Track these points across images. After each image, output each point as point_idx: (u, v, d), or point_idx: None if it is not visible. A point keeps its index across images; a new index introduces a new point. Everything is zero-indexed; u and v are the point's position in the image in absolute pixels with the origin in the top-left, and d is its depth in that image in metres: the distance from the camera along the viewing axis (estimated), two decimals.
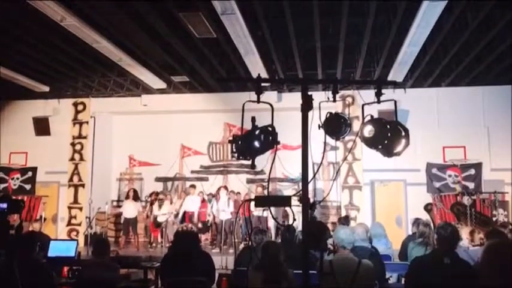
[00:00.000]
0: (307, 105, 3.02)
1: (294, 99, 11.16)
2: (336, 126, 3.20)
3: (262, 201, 3.41)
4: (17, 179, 12.90)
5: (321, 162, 3.58)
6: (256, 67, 9.94)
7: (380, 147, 3.20)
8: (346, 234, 4.19)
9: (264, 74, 10.16)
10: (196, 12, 7.63)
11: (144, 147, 13.59)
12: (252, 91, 11.91)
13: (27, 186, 12.85)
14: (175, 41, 8.99)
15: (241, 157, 3.28)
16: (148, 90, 12.66)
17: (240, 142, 3.18)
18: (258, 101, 3.18)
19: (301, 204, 2.97)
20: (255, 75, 10.26)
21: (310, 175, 2.97)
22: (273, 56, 9.89)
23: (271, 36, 8.84)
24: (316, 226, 3.12)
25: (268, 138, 3.06)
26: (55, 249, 6.15)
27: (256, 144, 3.05)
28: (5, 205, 3.21)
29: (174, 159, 13.70)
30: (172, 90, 12.74)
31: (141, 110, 13.23)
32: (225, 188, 11.63)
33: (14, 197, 5.90)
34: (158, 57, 10.25)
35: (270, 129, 3.10)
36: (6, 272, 3.50)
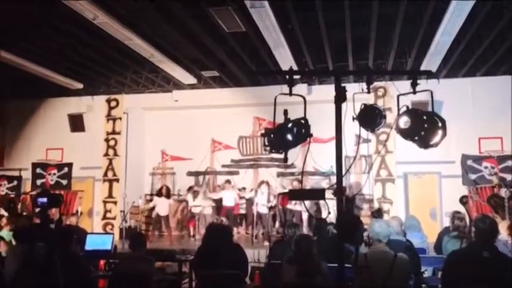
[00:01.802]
0: (340, 97, 2.99)
1: (324, 91, 11.15)
2: (370, 118, 3.16)
3: (296, 194, 3.40)
4: (54, 174, 13.29)
5: (356, 155, 3.55)
6: (286, 60, 9.88)
7: (416, 138, 3.14)
8: (381, 228, 4.13)
9: (294, 67, 10.06)
10: (226, 7, 7.64)
11: (176, 142, 13.74)
12: (281, 84, 11.84)
13: (64, 182, 13.22)
14: (205, 36, 9.04)
15: (273, 150, 3.28)
16: (179, 85, 12.79)
17: (272, 135, 3.18)
18: (290, 94, 3.17)
19: (335, 198, 2.95)
20: (284, 68, 10.26)
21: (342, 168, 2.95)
22: (303, 49, 9.81)
23: (300, 29, 8.77)
24: (350, 219, 3.09)
25: (301, 131, 3.05)
26: (92, 243, 6.30)
27: (289, 137, 3.05)
28: (45, 200, 3.31)
29: (205, 153, 13.80)
30: (202, 85, 12.82)
31: (173, 106, 13.37)
32: (266, 183, 11.61)
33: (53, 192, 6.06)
34: (189, 52, 10.33)
35: (302, 121, 3.09)
36: (47, 265, 3.61)
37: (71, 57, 10.75)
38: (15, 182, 13.46)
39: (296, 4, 7.79)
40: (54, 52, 10.32)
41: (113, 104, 13.17)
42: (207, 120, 13.51)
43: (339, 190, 2.89)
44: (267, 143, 3.22)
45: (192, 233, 12.00)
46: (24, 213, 10.95)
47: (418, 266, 4.92)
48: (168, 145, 14.08)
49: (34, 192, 12.85)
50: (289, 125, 3.03)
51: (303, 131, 3.03)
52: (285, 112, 3.12)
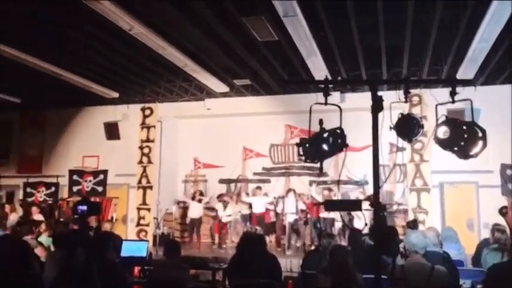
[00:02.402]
0: (377, 107, 2.95)
1: (358, 99, 11.06)
2: (408, 127, 3.11)
3: (332, 205, 3.37)
4: (90, 181, 13.60)
5: (393, 165, 3.49)
6: (318, 68, 9.85)
7: (456, 149, 3.07)
8: (418, 239, 4.05)
9: (326, 75, 10.04)
10: (259, 16, 7.69)
11: (208, 150, 13.87)
12: (313, 92, 11.92)
13: (99, 188, 13.52)
14: (238, 45, 9.11)
15: (308, 160, 3.26)
16: (211, 94, 12.92)
17: (307, 145, 3.16)
18: (326, 103, 3.16)
19: (372, 208, 2.91)
20: (317, 77, 10.24)
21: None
22: (336, 57, 9.76)
23: (333, 37, 8.73)
24: (387, 230, 3.03)
25: (336, 140, 3.03)
26: (127, 250, 6.39)
27: (325, 147, 3.03)
28: (85, 207, 3.39)
29: (236, 161, 13.87)
30: (234, 94, 12.91)
31: (205, 114, 13.51)
32: (293, 191, 11.58)
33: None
34: (221, 61, 10.43)
35: (338, 131, 3.07)
36: (85, 271, 3.68)
37: (107, 67, 11.03)
38: (53, 189, 13.85)
39: (329, 12, 7.77)
40: (92, 62, 10.61)
41: (147, 112, 13.40)
42: (239, 128, 13.58)
43: (376, 201, 2.85)
44: (301, 153, 3.20)
45: (218, 241, 12.04)
46: (62, 219, 11.23)
47: (457, 279, 4.79)
48: (200, 153, 14.22)
49: (71, 199, 13.22)
50: (325, 134, 3.01)
51: (339, 140, 3.01)
52: (321, 122, 3.10)
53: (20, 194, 14.25)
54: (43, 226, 7.49)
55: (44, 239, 6.94)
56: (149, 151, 13.22)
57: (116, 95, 13.13)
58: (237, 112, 13.31)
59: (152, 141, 13.29)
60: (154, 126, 13.35)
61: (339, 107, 3.13)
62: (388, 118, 3.14)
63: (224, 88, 12.27)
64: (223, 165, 13.84)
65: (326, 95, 3.09)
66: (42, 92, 12.96)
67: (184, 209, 13.34)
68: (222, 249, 11.50)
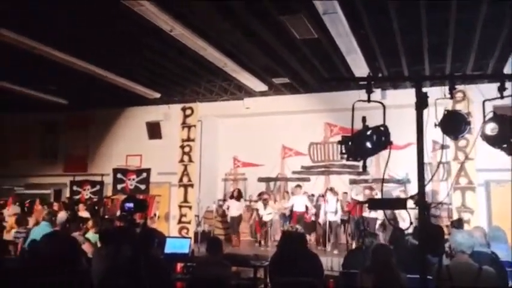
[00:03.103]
0: (422, 104, 2.90)
1: (399, 96, 10.84)
2: (454, 125, 3.03)
3: (376, 203, 3.32)
4: (133, 179, 13.94)
5: (439, 163, 3.41)
6: (359, 65, 9.74)
7: (504, 146, 2.97)
8: (464, 238, 3.95)
9: (367, 72, 9.92)
10: (298, 14, 7.67)
11: (247, 149, 13.95)
12: (354, 90, 11.77)
13: (142, 186, 13.84)
14: (277, 44, 9.13)
15: (351, 158, 3.23)
16: (250, 93, 12.99)
17: (350, 143, 3.13)
18: (369, 100, 3.12)
19: (417, 207, 2.86)
20: (357, 74, 10.12)
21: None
22: (377, 53, 9.61)
23: (374, 33, 8.61)
24: (433, 229, 2.97)
25: (380, 138, 2.98)
26: (170, 246, 6.52)
27: (368, 144, 2.99)
28: (131, 205, 3.49)
29: (275, 159, 13.89)
30: (273, 92, 12.93)
31: (244, 113, 13.60)
32: (331, 190, 11.50)
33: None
34: (260, 60, 10.48)
35: (382, 128, 3.02)
36: (132, 267, 3.79)
37: (149, 68, 11.29)
38: (98, 187, 14.27)
39: (369, 8, 7.66)
40: (134, 63, 10.89)
41: (188, 112, 13.57)
42: (278, 127, 13.59)
43: (421, 199, 2.80)
44: (344, 151, 3.17)
45: (259, 239, 12.10)
46: (107, 217, 11.56)
47: (505, 280, 4.63)
48: (239, 151, 14.33)
49: (115, 197, 13.60)
50: (368, 132, 2.97)
51: (383, 138, 2.96)
52: (363, 119, 3.06)
53: (66, 192, 14.78)
54: (90, 223, 7.74)
55: (91, 235, 7.16)
56: (190, 150, 13.37)
57: (157, 95, 13.42)
58: (276, 111, 13.33)
59: (193, 140, 13.43)
60: (194, 126, 13.48)
61: (382, 104, 3.09)
62: (432, 115, 3.07)
63: (263, 87, 12.32)
64: (262, 164, 13.89)
65: (369, 92, 3.06)
66: (87, 94, 13.42)
67: (224, 207, 13.47)
68: (262, 247, 11.55)
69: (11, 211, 11.13)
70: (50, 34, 9.00)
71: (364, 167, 3.05)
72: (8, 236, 8.86)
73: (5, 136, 15.71)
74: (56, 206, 11.01)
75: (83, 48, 9.81)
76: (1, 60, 10.25)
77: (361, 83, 3.46)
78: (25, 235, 7.91)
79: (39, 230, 6.82)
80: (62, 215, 9.08)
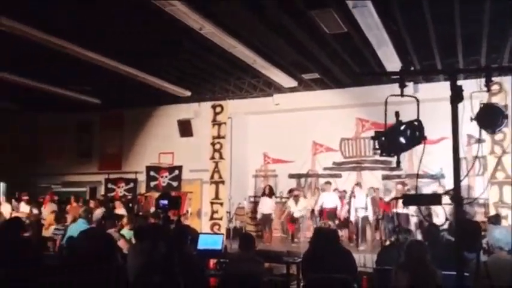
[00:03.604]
0: (457, 97, 2.83)
1: (432, 90, 10.61)
2: (491, 118, 2.94)
3: (410, 199, 3.27)
4: (166, 176, 14.19)
5: (475, 157, 3.33)
6: (390, 59, 9.58)
7: None
8: (502, 234, 3.85)
9: (399, 66, 9.76)
10: (327, 8, 7.61)
11: (278, 145, 13.93)
12: (386, 84, 11.59)
13: (175, 183, 14.07)
14: (306, 39, 9.08)
15: (384, 154, 3.19)
16: (279, 89, 12.97)
17: (383, 138, 3.09)
18: (402, 95, 3.07)
19: (453, 203, 2.81)
20: (389, 68, 9.96)
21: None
22: (408, 46, 9.43)
23: (405, 26, 8.45)
24: (470, 225, 2.91)
25: (414, 133, 2.93)
26: (203, 243, 6.60)
27: (402, 140, 2.95)
28: (166, 202, 3.56)
29: (306, 156, 13.83)
30: (303, 88, 12.87)
31: (274, 109, 13.57)
32: (359, 184, 11.39)
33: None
34: (290, 56, 10.44)
35: (416, 123, 2.97)
36: (166, 263, 3.86)
37: (179, 67, 11.42)
38: (132, 184, 14.59)
39: (400, 0, 7.52)
40: (165, 62, 11.03)
41: (218, 109, 13.70)
42: (308, 123, 13.52)
43: (457, 195, 2.74)
44: (377, 146, 3.13)
45: (290, 236, 12.09)
46: (141, 213, 11.79)
47: None
48: (269, 148, 14.33)
49: (148, 194, 13.86)
50: (402, 127, 2.92)
51: (417, 133, 2.91)
52: (397, 114, 3.01)
53: (102, 190, 15.14)
54: (125, 220, 7.91)
55: (126, 232, 7.32)
56: (220, 147, 13.50)
57: (188, 93, 13.57)
58: (306, 106, 13.26)
59: (223, 137, 13.55)
60: (225, 123, 13.60)
61: (416, 99, 3.03)
62: (467, 109, 3.00)
63: (293, 83, 12.27)
64: (292, 160, 13.86)
65: (402, 86, 3.00)
66: (120, 93, 13.69)
67: (255, 203, 13.54)
68: (294, 243, 11.55)
69: (48, 209, 11.48)
70: (82, 34, 9.22)
71: (398, 162, 3.01)
72: (47, 233, 9.16)
73: (42, 136, 16.21)
74: (91, 204, 11.29)
75: (115, 48, 10.00)
76: (37, 61, 10.60)
77: (394, 77, 3.40)
78: (63, 232, 8.16)
79: (76, 227, 7.02)
80: (98, 212, 9.33)
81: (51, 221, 9.40)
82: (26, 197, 12.36)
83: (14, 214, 10.12)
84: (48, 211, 11.01)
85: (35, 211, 11.44)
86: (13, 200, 12.69)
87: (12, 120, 15.94)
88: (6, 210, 10.85)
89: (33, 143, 16.10)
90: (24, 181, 15.71)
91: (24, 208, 11.80)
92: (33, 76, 11.76)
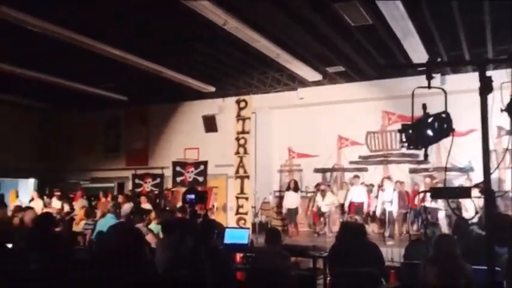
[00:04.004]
0: (486, 88, 2.76)
1: (460, 81, 10.38)
2: None
3: (439, 192, 3.22)
4: (192, 172, 14.30)
5: (506, 149, 3.25)
6: (416, 50, 9.42)
7: None
8: None
9: (425, 57, 9.59)
10: (352, 0, 7.53)
11: (302, 139, 13.89)
12: (411, 76, 11.40)
13: (200, 178, 14.17)
14: (330, 32, 9.00)
15: (411, 147, 3.15)
16: (303, 83, 12.90)
17: (410, 131, 3.05)
18: (429, 87, 3.02)
19: (482, 196, 2.75)
20: (414, 59, 9.80)
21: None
22: (435, 36, 9.24)
23: (431, 15, 8.28)
24: (500, 219, 2.85)
25: (442, 125, 2.88)
26: (229, 237, 6.64)
27: (430, 132, 2.90)
28: (193, 196, 3.60)
29: (331, 150, 13.74)
30: (327, 82, 12.77)
31: (298, 103, 13.51)
32: (389, 178, 11.26)
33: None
34: (314, 49, 10.38)
35: (443, 115, 2.92)
36: (194, 258, 3.90)
37: (203, 62, 11.49)
38: (158, 180, 14.75)
39: None
40: (189, 58, 11.11)
41: (242, 104, 13.69)
42: (333, 117, 13.42)
43: (488, 188, 2.68)
44: (404, 139, 3.09)
45: (317, 230, 12.06)
46: (167, 208, 11.94)
47: None
48: (294, 142, 14.29)
49: (175, 189, 14.02)
50: (430, 119, 2.87)
51: (445, 125, 2.86)
52: (424, 106, 2.97)
53: (129, 185, 15.38)
54: (152, 214, 8.04)
55: (154, 226, 7.43)
56: (245, 142, 13.50)
57: (212, 89, 13.64)
58: (330, 100, 13.16)
59: (247, 132, 13.55)
60: (249, 118, 13.59)
61: (444, 90, 2.97)
62: (497, 100, 2.93)
63: (317, 76, 12.20)
64: (317, 155, 13.79)
65: (429, 78, 2.95)
66: (145, 89, 13.86)
67: (281, 198, 13.54)
68: (320, 237, 11.52)
69: (79, 204, 11.75)
70: (108, 33, 9.37)
71: (426, 155, 2.96)
72: (77, 228, 9.39)
73: (71, 133, 16.57)
74: (120, 199, 11.49)
75: (140, 46, 10.14)
76: (66, 61, 10.84)
77: (420, 69, 3.35)
78: (93, 227, 8.34)
79: (105, 222, 7.16)
80: (127, 207, 9.50)
81: (82, 216, 9.63)
82: (58, 193, 12.66)
83: (46, 210, 10.38)
84: (79, 206, 11.27)
85: (66, 207, 11.73)
86: (44, 196, 13.02)
87: (43, 118, 16.38)
88: (38, 206, 11.14)
89: (63, 140, 16.47)
90: (54, 178, 16.13)
91: (56, 204, 12.10)
92: (62, 75, 12.05)
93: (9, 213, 9.69)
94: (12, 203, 11.92)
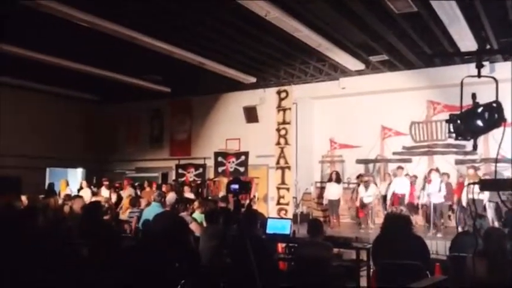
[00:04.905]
0: None
1: (510, 69, 9.95)
2: None
3: (489, 184, 3.12)
4: (233, 162, 14.48)
5: None
6: (463, 37, 9.10)
7: None
8: None
9: (473, 44, 9.26)
10: None
11: (344, 130, 13.75)
12: (457, 64, 11.03)
13: (241, 169, 14.32)
14: (373, 19, 8.82)
15: (460, 138, 3.06)
16: (346, 72, 12.74)
17: (458, 121, 2.97)
18: (479, 76, 2.93)
19: None
20: (462, 47, 9.49)
21: None
22: (484, 22, 8.89)
23: (480, 1, 7.96)
24: None
25: (493, 115, 2.78)
26: (272, 227, 6.70)
27: (479, 123, 2.81)
28: (237, 186, 3.65)
29: (374, 140, 13.52)
30: (370, 71, 12.55)
31: (340, 93, 13.37)
32: (437, 170, 10.98)
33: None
34: (356, 38, 10.22)
35: (494, 105, 2.82)
36: (238, 246, 3.97)
37: (244, 53, 11.53)
38: (201, 170, 15.03)
39: None
40: (231, 49, 11.18)
41: (283, 95, 13.68)
42: (376, 107, 13.20)
43: None
44: (452, 130, 3.01)
45: (360, 221, 11.94)
46: (210, 198, 12.14)
47: None
48: (336, 133, 14.17)
49: (217, 179, 14.22)
50: (479, 109, 2.78)
51: (496, 115, 2.76)
52: (473, 95, 2.88)
53: (172, 175, 15.72)
54: (196, 204, 8.19)
55: (197, 215, 7.58)
56: (286, 133, 13.50)
57: (253, 79, 13.69)
58: (373, 90, 12.93)
59: (288, 123, 13.54)
60: (290, 109, 13.57)
61: (495, 79, 2.88)
62: None
63: (359, 66, 12.01)
64: (359, 145, 13.62)
65: (479, 66, 2.85)
66: (188, 81, 14.08)
67: (322, 189, 13.49)
68: (363, 229, 11.41)
69: (127, 193, 12.13)
70: (153, 26, 9.57)
71: (475, 146, 2.88)
72: (123, 216, 9.69)
73: (117, 124, 17.08)
74: (164, 188, 11.78)
75: (183, 38, 10.29)
76: (113, 54, 11.16)
77: (468, 57, 3.25)
78: (138, 214, 8.60)
79: (151, 210, 7.36)
80: (172, 196, 9.72)
81: (127, 205, 9.94)
82: (106, 182, 13.09)
83: (94, 198, 10.78)
84: (126, 195, 11.63)
85: (114, 196, 12.14)
86: (91, 186, 13.50)
87: (90, 110, 16.97)
88: (87, 195, 11.57)
89: (109, 131, 17.01)
90: (101, 167, 16.71)
91: (104, 193, 12.52)
92: (108, 67, 12.43)
93: (60, 201, 10.17)
94: (62, 192, 12.44)
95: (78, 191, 12.80)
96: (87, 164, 16.85)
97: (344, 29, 9.64)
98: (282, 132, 13.63)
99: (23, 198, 9.75)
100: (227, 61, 12.03)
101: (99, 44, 10.29)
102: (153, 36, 9.89)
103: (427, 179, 10.88)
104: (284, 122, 13.64)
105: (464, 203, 9.68)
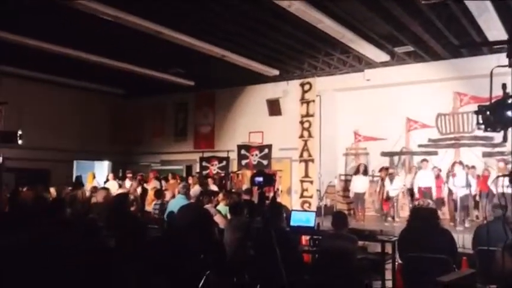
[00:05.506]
0: None
1: None
2: None
3: None
4: (256, 155, 14.49)
5: None
6: (491, 27, 8.87)
7: None
8: None
9: (501, 33, 9.02)
10: None
11: (369, 122, 13.60)
12: (485, 55, 10.77)
13: (264, 162, 14.32)
14: (398, 9, 8.68)
15: (489, 129, 3.01)
16: (370, 64, 12.58)
17: (488, 112, 2.91)
18: (510, 65, 2.86)
19: None
20: (490, 37, 9.27)
21: None
22: None
23: None
24: None
25: None
26: (296, 219, 6.69)
27: (510, 114, 2.76)
28: (261, 179, 3.67)
29: (399, 133, 13.35)
30: (395, 62, 12.36)
31: (364, 85, 13.20)
32: (460, 163, 10.79)
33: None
34: (381, 29, 10.09)
35: None
36: (263, 239, 3.99)
37: (267, 46, 11.50)
38: (224, 162, 15.09)
39: None
40: (253, 42, 11.16)
41: (306, 87, 13.59)
42: (401, 98, 13.00)
43: None
44: (480, 121, 2.96)
45: (385, 214, 11.84)
46: (233, 190, 12.20)
47: None
48: (360, 125, 14.04)
49: (240, 172, 14.28)
50: (510, 100, 2.73)
51: None
52: (504, 86, 2.82)
53: (196, 168, 15.85)
54: (220, 196, 8.26)
55: (221, 207, 7.64)
56: (309, 125, 13.43)
57: (276, 72, 13.65)
58: (399, 81, 12.73)
59: (312, 115, 13.45)
60: (313, 101, 13.47)
61: None
62: None
63: (384, 57, 11.85)
64: (384, 138, 13.46)
65: (511, 56, 2.79)
66: (211, 74, 14.13)
67: (346, 182, 13.39)
68: (388, 222, 11.31)
69: (152, 185, 12.30)
70: (175, 20, 9.63)
71: (505, 138, 2.82)
72: (148, 208, 9.85)
73: (142, 117, 17.29)
74: (190, 180, 11.90)
75: (206, 31, 10.33)
76: (138, 48, 11.31)
77: (497, 47, 3.18)
78: (163, 207, 8.71)
79: (177, 202, 7.43)
80: (196, 189, 9.81)
81: (152, 196, 10.08)
82: (129, 175, 13.28)
83: (120, 190, 10.96)
84: (151, 187, 11.80)
85: (139, 188, 12.32)
86: (117, 179, 13.72)
87: (116, 103, 17.25)
88: (113, 187, 11.77)
89: (135, 124, 17.24)
90: (127, 160, 16.97)
91: (128, 184, 12.72)
92: (134, 62, 12.60)
93: (87, 193, 10.39)
94: (89, 184, 12.69)
95: (105, 183, 13.02)
96: (113, 156, 17.14)
97: (368, 19, 9.52)
98: (306, 125, 13.55)
99: (52, 190, 10.00)
100: (250, 54, 12.03)
101: (124, 38, 10.43)
102: (177, 29, 9.96)
103: (451, 172, 10.71)
104: (308, 115, 13.55)
105: (492, 196, 9.49)
